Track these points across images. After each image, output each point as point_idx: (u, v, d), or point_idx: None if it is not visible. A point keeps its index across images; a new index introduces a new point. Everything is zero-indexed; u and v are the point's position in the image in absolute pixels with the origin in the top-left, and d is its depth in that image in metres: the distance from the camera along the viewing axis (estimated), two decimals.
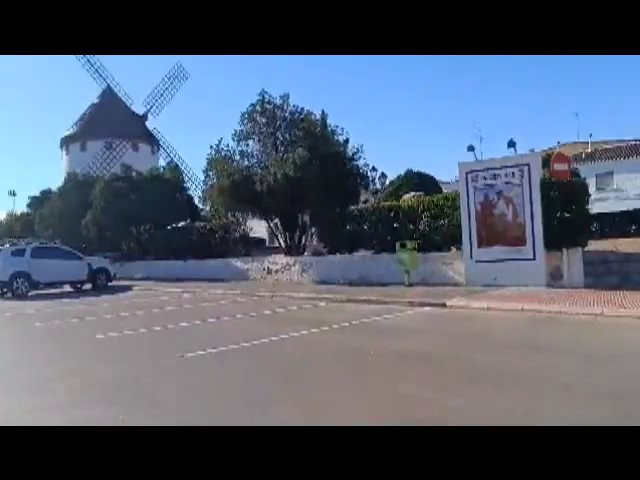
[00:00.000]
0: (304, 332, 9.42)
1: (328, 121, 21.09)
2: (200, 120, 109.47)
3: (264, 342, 8.61)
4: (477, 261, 14.46)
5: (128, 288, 21.98)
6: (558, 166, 13.35)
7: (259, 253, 23.68)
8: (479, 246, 14.44)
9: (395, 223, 16.96)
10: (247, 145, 21.85)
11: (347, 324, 10.17)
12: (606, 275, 13.86)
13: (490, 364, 6.57)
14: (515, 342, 7.88)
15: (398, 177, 42.96)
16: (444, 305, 11.68)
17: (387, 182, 35.50)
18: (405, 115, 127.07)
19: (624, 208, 28.83)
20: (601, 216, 24.39)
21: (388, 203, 18.27)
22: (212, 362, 7.42)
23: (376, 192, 25.17)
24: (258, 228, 26.03)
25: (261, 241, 29.90)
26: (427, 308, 11.75)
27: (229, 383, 6.30)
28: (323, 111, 23.02)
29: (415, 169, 43.65)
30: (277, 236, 22.63)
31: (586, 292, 12.16)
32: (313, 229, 21.67)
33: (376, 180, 24.68)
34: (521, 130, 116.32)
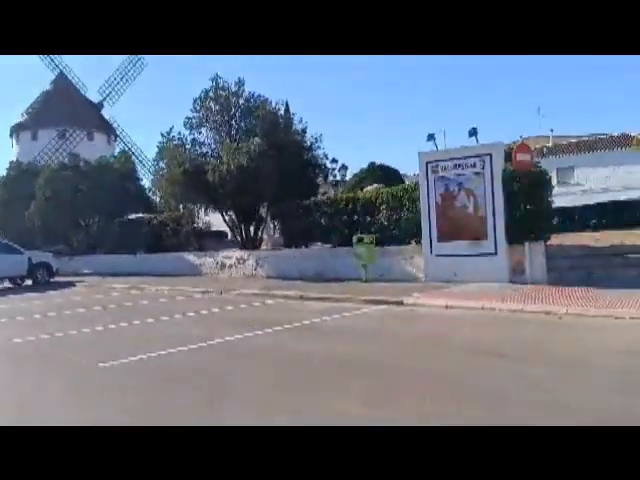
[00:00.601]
0: (245, 335, 8.49)
1: (285, 109, 20.12)
2: (162, 109, 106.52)
3: (194, 348, 7.66)
4: (437, 255, 13.76)
5: (72, 284, 20.62)
6: (521, 156, 12.72)
7: (219, 247, 22.54)
8: (439, 240, 13.74)
9: (353, 216, 16.15)
10: (200, 133, 20.71)
11: (295, 325, 9.29)
12: (569, 270, 13.33)
13: (446, 374, 5.79)
14: (475, 347, 7.12)
15: (361, 170, 42.44)
16: (401, 303, 10.92)
17: (350, 175, 34.80)
18: (369, 108, 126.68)
19: (584, 202, 28.78)
20: (562, 210, 24.14)
21: (346, 195, 17.44)
22: (124, 375, 6.43)
23: (336, 184, 24.31)
24: (220, 221, 24.88)
25: (222, 234, 28.74)
26: (383, 306, 10.97)
27: (125, 406, 5.32)
28: (287, 103, 22.18)
29: (379, 162, 43.38)
30: (232, 229, 21.59)
31: (549, 289, 11.57)
32: (274, 222, 20.69)
33: (336, 172, 23.82)
34: (484, 125, 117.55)
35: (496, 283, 12.61)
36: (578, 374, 5.58)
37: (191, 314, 11.29)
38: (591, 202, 28.61)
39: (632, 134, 39.54)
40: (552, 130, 42.91)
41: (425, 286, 12.95)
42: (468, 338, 7.75)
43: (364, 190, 17.16)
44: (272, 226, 20.71)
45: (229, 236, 28.86)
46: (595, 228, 25.44)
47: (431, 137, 13.71)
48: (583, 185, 35.52)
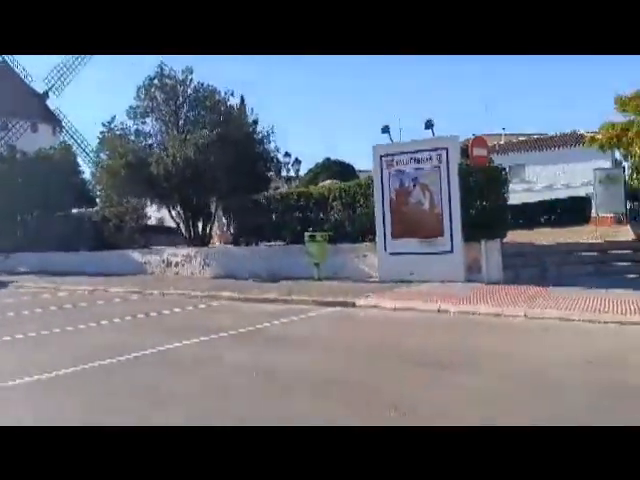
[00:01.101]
0: (183, 342, 7.68)
1: (236, 100, 19.22)
2: (112, 98, 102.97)
3: (121, 361, 6.79)
4: (392, 254, 13.22)
5: (3, 285, 19.13)
6: (477, 151, 12.32)
7: (170, 244, 21.39)
8: (394, 237, 13.21)
9: (305, 212, 15.45)
10: (144, 124, 19.55)
11: (239, 331, 8.53)
12: (524, 268, 13.04)
13: (380, 390, 5.17)
14: (421, 356, 6.51)
15: (316, 165, 41.80)
16: (353, 305, 10.30)
17: (305, 170, 34.08)
18: (325, 102, 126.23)
19: (534, 199, 29.03)
20: (512, 207, 24.10)
21: (298, 190, 16.72)
22: (25, 398, 5.53)
23: (290, 179, 23.56)
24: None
25: (172, 231, 27.50)
26: (335, 309, 10.33)
27: None
28: (242, 97, 21.19)
29: (334, 158, 42.86)
30: (181, 225, 20.54)
31: (506, 288, 11.19)
32: (226, 218, 19.73)
33: (290, 166, 23.07)
34: (436, 122, 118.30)
35: (452, 282, 12.18)
36: (530, 387, 5.05)
37: (132, 317, 10.36)
38: (540, 199, 28.91)
39: (581, 132, 40.42)
40: (504, 128, 43.41)
41: (379, 286, 12.39)
42: (416, 346, 7.17)
43: (317, 185, 16.47)
44: (224, 222, 19.80)
45: (184, 233, 27.70)
46: (544, 224, 25.68)
47: (386, 130, 13.15)
48: (533, 182, 36.00)
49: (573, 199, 29.38)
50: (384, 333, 8.11)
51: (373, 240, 14.00)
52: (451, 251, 12.52)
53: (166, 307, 11.49)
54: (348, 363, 6.34)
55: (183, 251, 18.90)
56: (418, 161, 12.84)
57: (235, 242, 17.83)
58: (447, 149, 12.50)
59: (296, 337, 8.14)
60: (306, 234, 14.43)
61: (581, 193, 31.06)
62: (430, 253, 12.69)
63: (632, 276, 12.53)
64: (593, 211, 30.17)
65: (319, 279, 14.00)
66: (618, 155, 33.27)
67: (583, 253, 13.60)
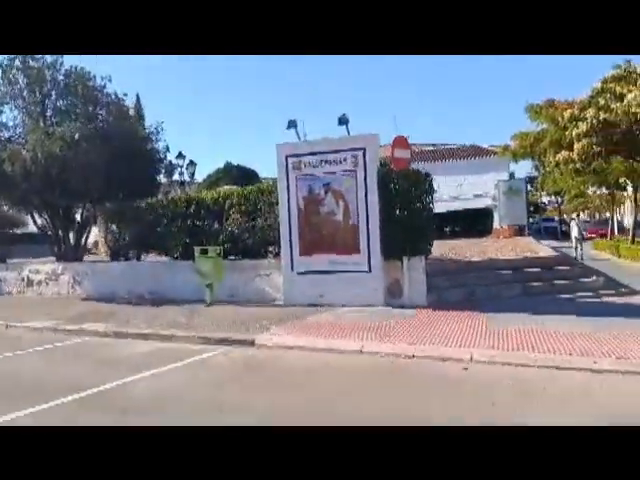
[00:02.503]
0: None
1: (114, 88, 16.28)
2: None
3: None
4: (300, 273, 11.12)
5: None
6: (399, 153, 10.55)
7: (39, 255, 17.86)
8: (302, 254, 11.12)
9: (197, 221, 12.95)
10: (2, 113, 16.13)
11: (81, 395, 5.97)
12: (449, 289, 11.46)
13: None
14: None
15: (217, 170, 38.98)
16: (252, 343, 8.03)
17: (205, 176, 31.35)
18: (226, 105, 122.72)
19: (439, 210, 28.32)
20: None
21: (187, 195, 14.17)
22: None
23: (183, 184, 20.83)
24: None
25: (40, 239, 23.70)
26: (228, 348, 8.01)
27: None
28: (138, 96, 18.24)
29: (237, 162, 40.34)
30: (49, 235, 17.19)
31: (435, 315, 9.45)
32: (102, 227, 16.64)
33: (184, 169, 20.35)
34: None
35: (370, 307, 10.31)
36: None
37: None
38: (445, 210, 28.29)
39: (483, 146, 40.92)
40: (409, 136, 43.00)
41: (285, 312, 10.23)
42: (347, 413, 5.06)
43: (211, 190, 14.01)
44: (104, 232, 16.73)
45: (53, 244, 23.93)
46: (449, 236, 25.04)
47: (292, 124, 11.04)
48: (437, 193, 35.59)
49: (476, 210, 29.20)
50: (293, 400, 5.88)
51: (278, 256, 11.86)
52: (368, 271, 10.64)
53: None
54: None
55: (48, 267, 15.64)
56: (331, 163, 10.86)
57: (113, 256, 14.92)
58: (364, 150, 10.63)
59: (166, 409, 5.73)
60: (196, 248, 11.99)
61: (483, 204, 31.00)
62: (344, 272, 10.73)
63: (565, 296, 11.37)
64: (495, 222, 30.19)
65: (211, 304, 11.61)
66: (515, 167, 33.80)
67: (508, 271, 12.27)
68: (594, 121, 15.47)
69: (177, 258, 13.51)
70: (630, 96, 14.17)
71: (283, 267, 11.33)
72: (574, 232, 17.81)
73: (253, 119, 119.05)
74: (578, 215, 22.27)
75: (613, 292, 11.76)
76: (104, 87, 16.10)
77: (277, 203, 11.43)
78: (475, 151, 39.06)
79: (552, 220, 47.24)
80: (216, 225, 12.59)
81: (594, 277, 12.50)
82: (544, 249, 16.22)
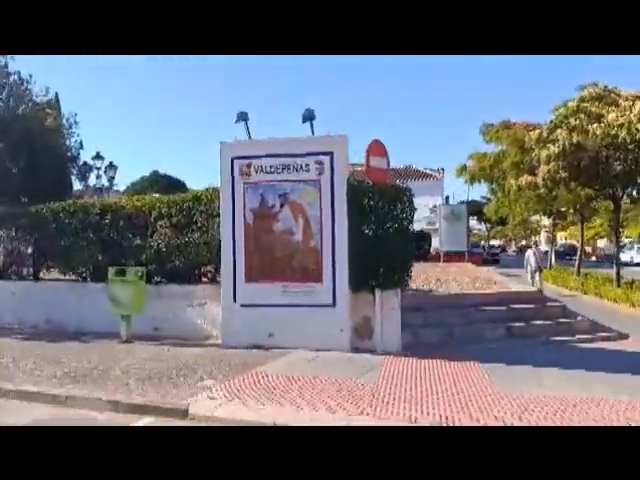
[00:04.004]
0: None
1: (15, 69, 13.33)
2: None
3: None
4: (244, 305, 8.80)
5: None
6: (375, 161, 8.55)
7: None
8: (248, 280, 8.81)
9: (113, 234, 10.33)
10: None
11: None
12: (424, 328, 9.53)
13: None
14: None
15: (142, 178, 35.78)
16: (184, 415, 5.59)
17: (128, 185, 28.43)
18: (154, 112, 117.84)
19: None
20: None
21: (103, 202, 11.46)
22: None
23: (100, 190, 17.90)
24: None
25: None
26: (149, 419, 5.56)
27: None
28: (57, 95, 15.27)
29: (164, 172, 37.35)
30: None
31: (420, 366, 7.45)
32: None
33: (102, 173, 17.47)
34: None
35: (333, 352, 8.18)
36: None
37: None
38: None
39: (418, 168, 40.28)
40: (355, 153, 41.68)
41: (224, 357, 7.89)
42: None
43: (134, 197, 11.37)
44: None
45: None
46: None
47: (242, 117, 8.78)
48: None
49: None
50: None
51: (216, 281, 9.52)
52: (332, 305, 8.50)
53: None
54: None
55: None
56: (290, 169, 8.69)
57: (3, 273, 11.88)
58: (332, 154, 8.56)
59: None
60: (111, 269, 9.42)
61: (418, 227, 29.91)
62: (302, 306, 8.54)
63: (555, 339, 9.79)
64: (433, 247, 29.08)
65: (129, 340, 9.07)
66: (448, 190, 33.13)
67: (486, 308, 10.52)
68: (566, 143, 14.29)
69: (86, 279, 10.77)
70: (611, 116, 13.03)
71: (223, 296, 8.96)
72: (531, 263, 16.43)
73: (183, 128, 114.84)
74: (536, 244, 21.11)
75: (603, 335, 10.37)
76: (5, 66, 13.19)
77: (218, 215, 9.10)
78: (409, 173, 38.21)
79: (478, 246, 47.86)
80: (138, 240, 10.02)
81: (579, 317, 11.01)
82: (506, 280, 14.77)
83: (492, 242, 58.53)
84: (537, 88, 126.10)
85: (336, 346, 8.32)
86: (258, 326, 8.65)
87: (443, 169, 35.80)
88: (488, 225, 50.34)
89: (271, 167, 8.74)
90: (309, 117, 8.38)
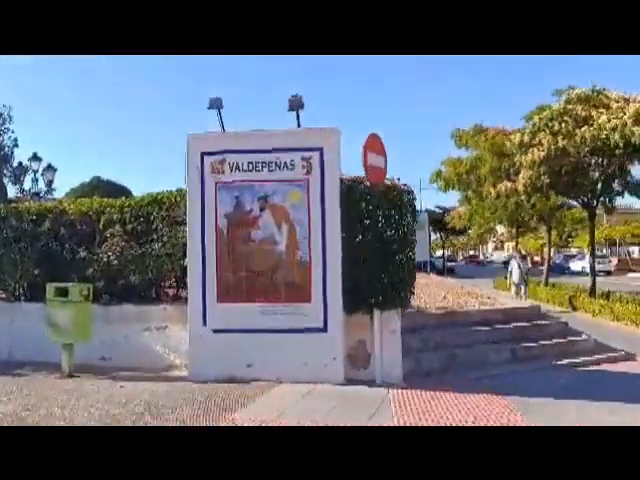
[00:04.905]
0: None
1: None
2: None
3: None
4: (217, 330, 7.30)
5: None
6: (373, 159, 7.26)
7: None
8: (222, 299, 7.31)
9: (53, 244, 8.61)
10: None
11: None
12: (424, 352, 8.29)
13: None
14: None
15: (82, 184, 33.54)
16: None
17: (68, 190, 26.27)
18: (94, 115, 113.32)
19: None
20: None
21: (40, 205, 9.65)
22: None
23: (38, 195, 15.88)
24: None
25: None
26: None
27: None
28: None
29: (107, 177, 35.55)
30: None
31: (429, 402, 6.18)
32: None
33: (39, 176, 15.51)
34: None
35: (324, 385, 6.82)
36: None
37: None
38: None
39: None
40: None
41: (196, 397, 6.38)
42: None
43: (78, 201, 9.63)
44: None
45: None
46: None
47: (216, 104, 7.30)
48: None
49: None
50: None
51: (179, 299, 8.00)
52: (323, 328, 7.13)
53: None
54: None
55: None
56: (271, 167, 7.30)
57: None
58: (321, 150, 7.23)
59: None
60: (50, 286, 7.72)
61: None
62: (286, 330, 7.13)
63: (564, 362, 8.78)
64: None
65: (72, 374, 7.41)
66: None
67: (484, 328, 9.39)
68: (552, 147, 13.49)
69: (19, 297, 8.99)
70: (602, 119, 12.26)
71: (190, 319, 7.43)
72: (515, 275, 15.46)
73: (129, 131, 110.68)
74: (521, 253, 20.27)
75: (609, 356, 9.46)
76: None
77: (184, 222, 7.59)
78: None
79: (431, 256, 47.73)
80: (84, 252, 8.35)
81: (583, 336, 10.07)
82: (493, 295, 13.79)
83: (438, 252, 57.77)
84: (503, 94, 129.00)
85: (328, 377, 6.96)
86: (234, 355, 7.17)
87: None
88: (442, 234, 50.03)
89: (249, 164, 7.32)
90: (297, 105, 7.00)
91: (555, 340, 9.56)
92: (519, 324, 9.69)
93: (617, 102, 12.69)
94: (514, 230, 26.85)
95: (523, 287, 15.25)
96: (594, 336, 10.26)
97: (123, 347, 8.08)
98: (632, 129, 11.46)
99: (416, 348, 8.26)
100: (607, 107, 12.74)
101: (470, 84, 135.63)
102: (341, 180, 7.24)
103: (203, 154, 7.43)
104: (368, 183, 7.20)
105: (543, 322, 10.27)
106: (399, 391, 6.75)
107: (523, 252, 29.96)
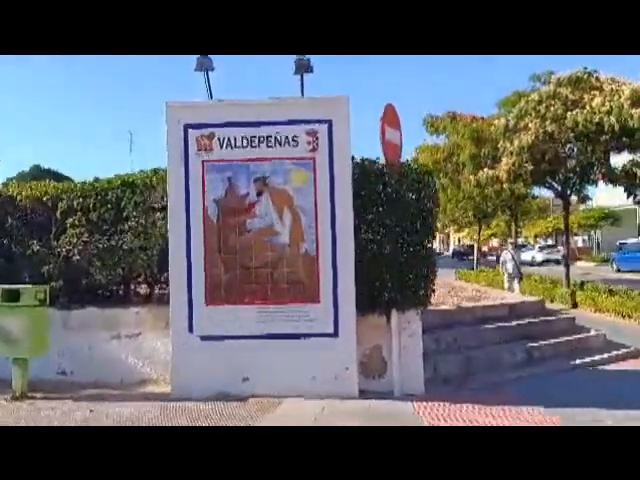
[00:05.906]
0: None
1: None
2: None
3: None
4: (205, 337, 6.12)
5: None
6: (391, 133, 6.22)
7: None
8: (211, 301, 6.13)
9: (1, 238, 7.17)
10: None
11: None
12: (441, 355, 7.38)
13: None
14: None
15: (20, 174, 31.18)
16: None
17: (4, 179, 24.29)
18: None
19: None
20: None
21: None
22: None
23: None
24: None
25: None
26: None
27: None
28: None
29: (48, 166, 33.45)
30: None
31: (465, 420, 5.24)
32: None
33: None
34: None
35: (335, 400, 5.77)
36: None
37: None
38: None
39: None
40: None
41: (184, 424, 5.21)
42: None
43: (28, 185, 8.14)
44: None
45: None
46: None
47: (204, 65, 6.06)
48: None
49: None
50: None
51: (163, 302, 6.76)
52: (334, 334, 6.06)
53: None
54: None
55: None
56: (270, 143, 6.15)
57: None
58: (330, 123, 6.12)
59: None
60: None
61: None
62: (290, 336, 6.04)
63: (580, 362, 8.14)
64: None
65: (23, 395, 6.06)
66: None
67: (491, 325, 8.58)
68: (540, 132, 12.85)
69: None
70: (596, 101, 11.65)
71: (173, 325, 6.20)
72: (508, 267, 14.62)
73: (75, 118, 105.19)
74: (515, 245, 19.56)
75: (624, 352, 8.88)
76: None
77: (163, 209, 6.34)
78: None
79: None
80: (38, 245, 6.95)
81: (593, 331, 9.44)
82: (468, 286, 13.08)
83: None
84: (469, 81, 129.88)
85: (339, 391, 5.91)
86: (226, 367, 6.01)
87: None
88: None
89: (243, 139, 6.13)
90: (305, 68, 5.85)
91: (565, 338, 8.89)
92: (527, 320, 8.97)
93: (610, 84, 12.15)
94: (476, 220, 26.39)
95: (517, 280, 14.51)
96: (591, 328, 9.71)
97: (87, 359, 6.79)
98: (630, 112, 10.91)
99: (430, 350, 7.31)
100: (600, 89, 12.17)
101: (439, 70, 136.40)
102: (352, 159, 6.18)
103: (187, 127, 6.18)
104: (384, 162, 6.15)
105: (551, 318, 9.61)
106: (425, 404, 5.79)
107: (512, 241, 29.47)
